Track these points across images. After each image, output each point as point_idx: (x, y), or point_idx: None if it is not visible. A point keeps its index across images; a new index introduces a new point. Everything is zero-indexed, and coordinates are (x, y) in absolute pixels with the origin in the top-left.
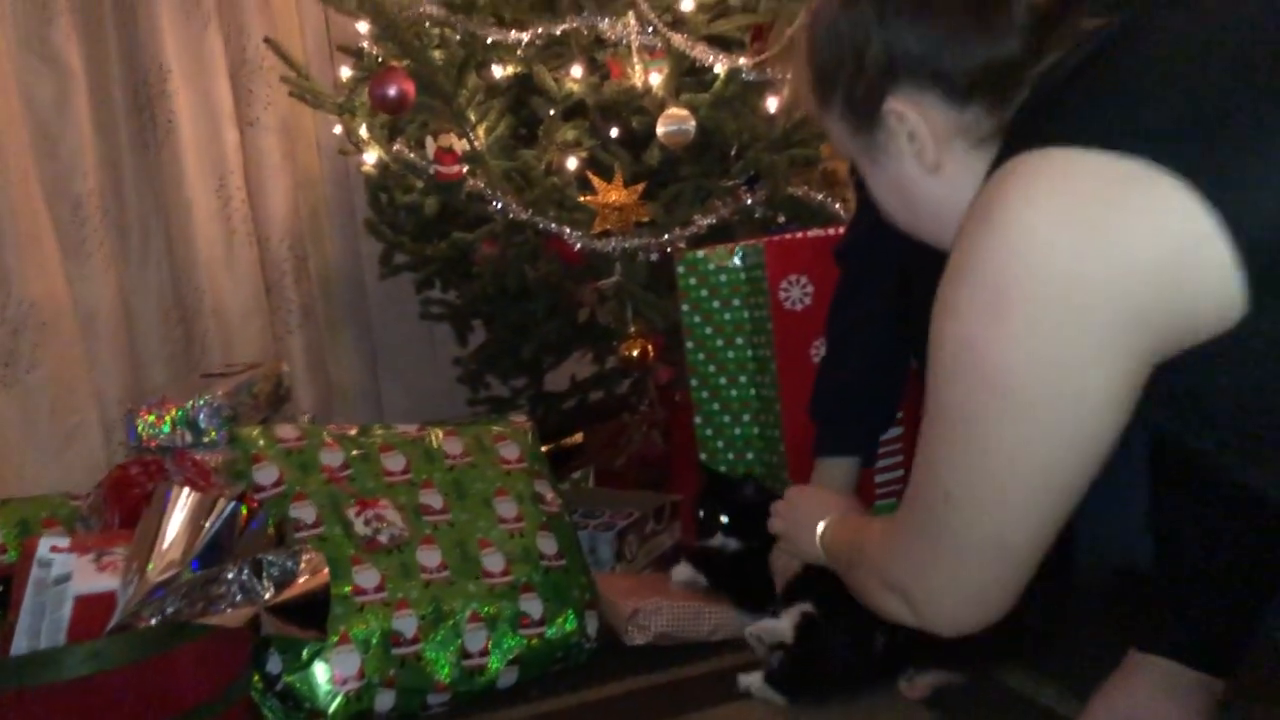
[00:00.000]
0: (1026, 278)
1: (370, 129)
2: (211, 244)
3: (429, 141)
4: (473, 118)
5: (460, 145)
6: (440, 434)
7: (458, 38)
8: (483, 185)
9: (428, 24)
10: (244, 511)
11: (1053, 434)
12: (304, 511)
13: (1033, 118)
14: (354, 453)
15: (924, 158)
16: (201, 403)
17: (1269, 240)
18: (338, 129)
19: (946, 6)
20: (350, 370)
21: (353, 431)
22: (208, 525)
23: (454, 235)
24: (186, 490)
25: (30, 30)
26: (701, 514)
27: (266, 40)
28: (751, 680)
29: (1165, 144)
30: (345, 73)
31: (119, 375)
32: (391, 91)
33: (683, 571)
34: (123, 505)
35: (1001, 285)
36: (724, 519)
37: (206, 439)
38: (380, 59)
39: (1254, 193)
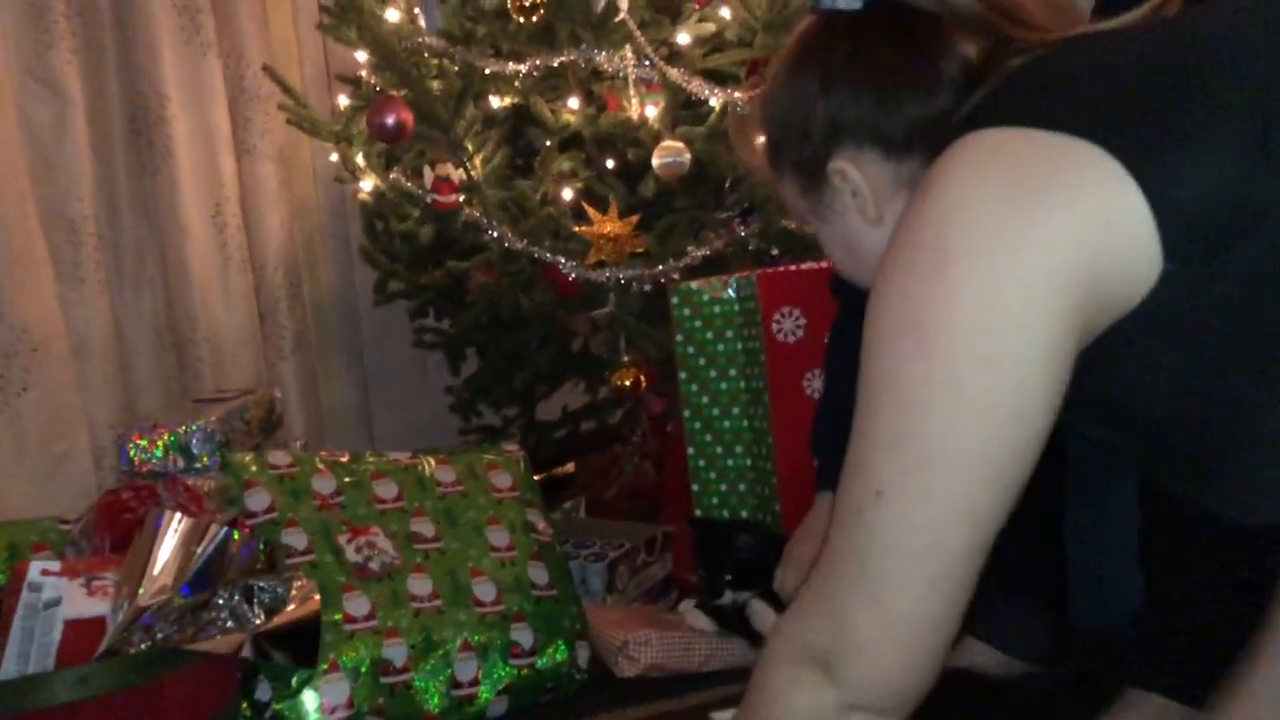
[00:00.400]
0: (964, 234)
1: (367, 157)
2: (206, 270)
3: (426, 170)
4: (470, 147)
5: (457, 175)
6: (432, 462)
7: (456, 68)
8: (479, 214)
9: (426, 54)
10: (235, 537)
11: (984, 405)
12: (295, 538)
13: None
14: (346, 480)
15: (866, 212)
16: (194, 428)
17: (1183, 209)
18: (334, 157)
19: (882, 74)
20: (342, 397)
21: (345, 458)
22: (199, 551)
23: (449, 264)
24: (178, 516)
25: (30, 54)
26: (703, 574)
27: (265, 68)
28: (725, 717)
29: (1090, 123)
30: (343, 101)
31: (111, 400)
32: (390, 121)
33: (700, 619)
34: (114, 530)
35: (940, 244)
36: (728, 577)
37: (198, 464)
38: (378, 88)
39: (1170, 168)
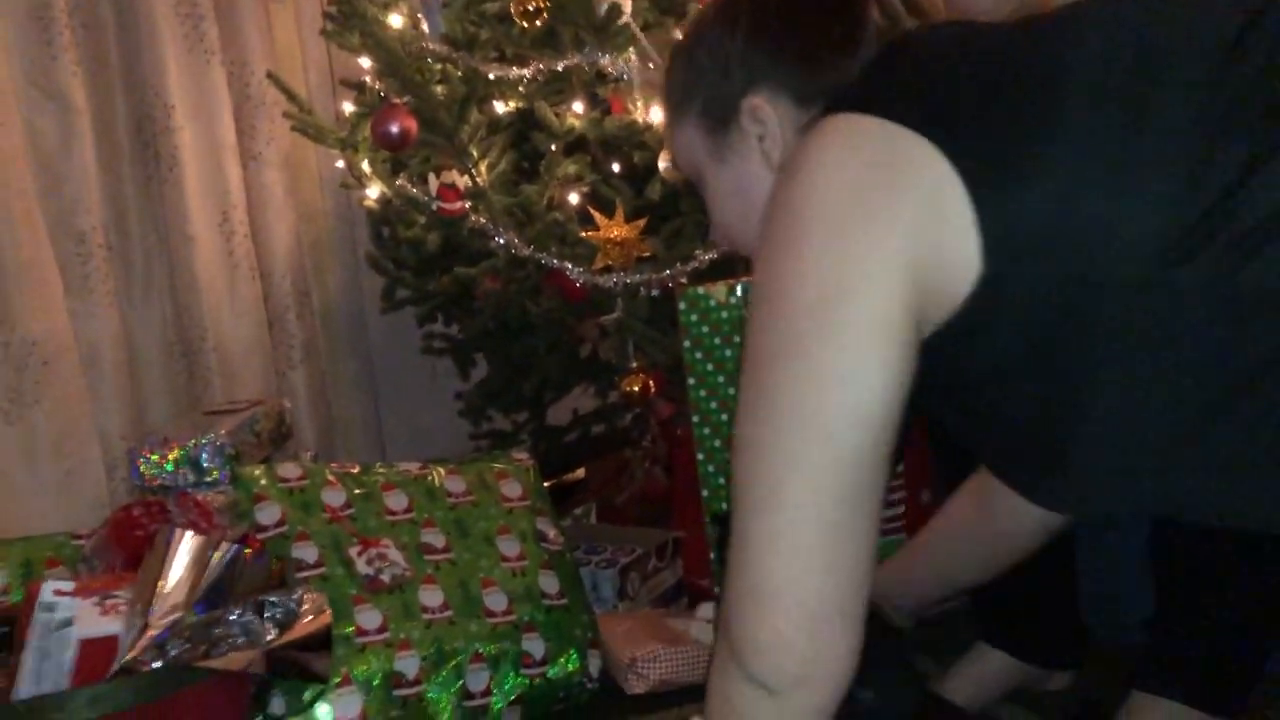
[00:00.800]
0: (813, 204)
1: (372, 164)
2: (214, 279)
3: (431, 177)
4: (475, 153)
5: (462, 181)
6: (442, 472)
7: (459, 74)
8: (485, 221)
9: (429, 60)
10: (246, 553)
11: (822, 371)
12: (306, 551)
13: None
14: (356, 491)
15: (771, 156)
16: (204, 441)
17: (1008, 218)
18: (340, 164)
19: (810, 39)
20: (352, 405)
21: (355, 470)
22: (210, 567)
23: (456, 270)
24: (189, 533)
25: (34, 66)
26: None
27: (269, 75)
28: None
29: (932, 122)
30: (348, 108)
31: (121, 412)
32: (394, 129)
33: (708, 633)
34: (125, 547)
35: (794, 216)
36: None
37: (209, 478)
38: (383, 94)
39: (999, 179)
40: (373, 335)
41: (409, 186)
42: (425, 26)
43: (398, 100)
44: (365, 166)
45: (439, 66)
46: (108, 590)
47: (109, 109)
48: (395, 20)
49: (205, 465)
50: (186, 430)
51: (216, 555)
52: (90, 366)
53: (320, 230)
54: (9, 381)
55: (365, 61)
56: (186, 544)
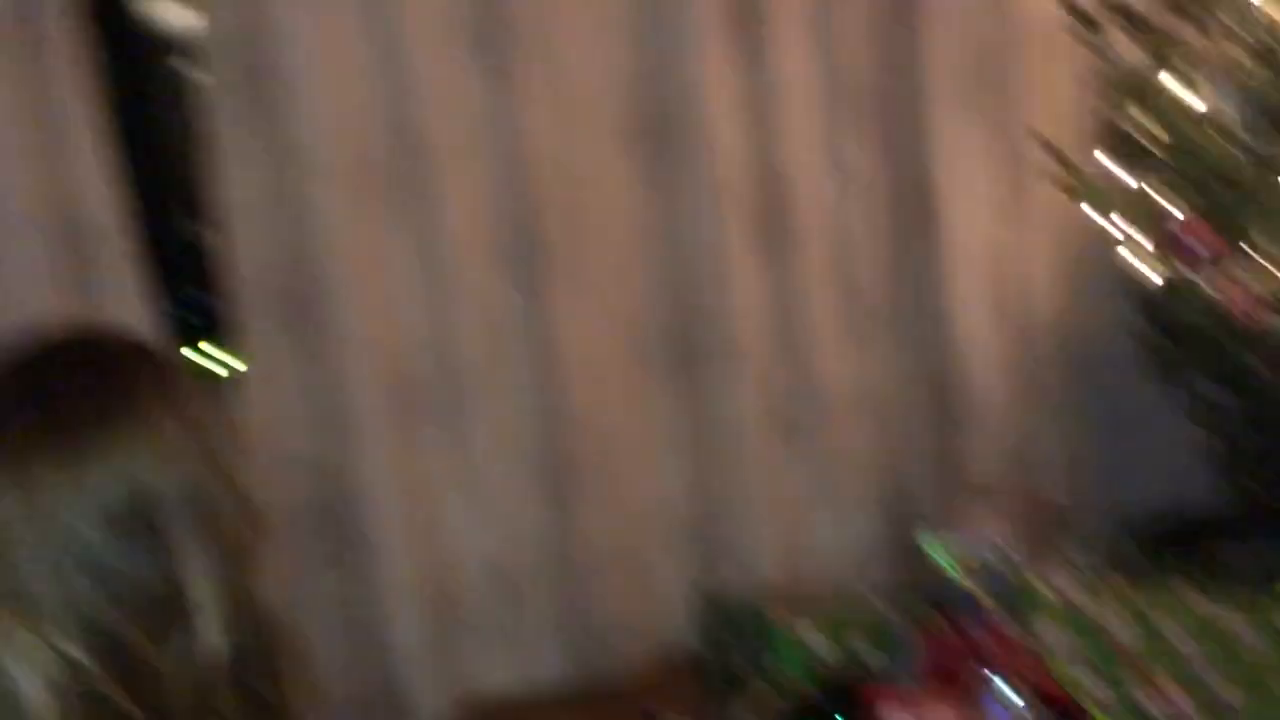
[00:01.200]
0: None
1: (1146, 239)
2: (972, 339)
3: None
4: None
5: (1259, 281)
6: (1241, 616)
7: (1253, 161)
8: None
9: (1220, 142)
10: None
11: None
12: (1089, 680)
13: None
14: (1143, 623)
15: None
16: (986, 540)
17: None
18: (1107, 227)
19: None
20: (1105, 474)
21: (1136, 593)
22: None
23: (1234, 355)
24: (999, 675)
25: (827, 140)
26: None
27: (1034, 133)
28: None
29: None
30: (1117, 170)
31: (888, 459)
32: (1197, 248)
33: None
34: (941, 672)
35: None
36: None
37: (991, 581)
38: (1158, 162)
39: None
40: (1135, 402)
41: (1188, 273)
42: (1225, 108)
43: (1199, 216)
44: (1138, 237)
45: (1226, 149)
46: (929, 714)
47: (882, 172)
48: (1188, 96)
49: (987, 566)
50: (957, 510)
51: (1017, 697)
52: (859, 411)
53: (1084, 290)
54: (791, 418)
55: (1141, 125)
56: (999, 688)
